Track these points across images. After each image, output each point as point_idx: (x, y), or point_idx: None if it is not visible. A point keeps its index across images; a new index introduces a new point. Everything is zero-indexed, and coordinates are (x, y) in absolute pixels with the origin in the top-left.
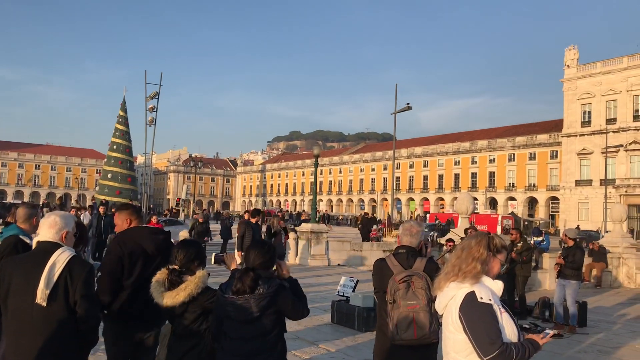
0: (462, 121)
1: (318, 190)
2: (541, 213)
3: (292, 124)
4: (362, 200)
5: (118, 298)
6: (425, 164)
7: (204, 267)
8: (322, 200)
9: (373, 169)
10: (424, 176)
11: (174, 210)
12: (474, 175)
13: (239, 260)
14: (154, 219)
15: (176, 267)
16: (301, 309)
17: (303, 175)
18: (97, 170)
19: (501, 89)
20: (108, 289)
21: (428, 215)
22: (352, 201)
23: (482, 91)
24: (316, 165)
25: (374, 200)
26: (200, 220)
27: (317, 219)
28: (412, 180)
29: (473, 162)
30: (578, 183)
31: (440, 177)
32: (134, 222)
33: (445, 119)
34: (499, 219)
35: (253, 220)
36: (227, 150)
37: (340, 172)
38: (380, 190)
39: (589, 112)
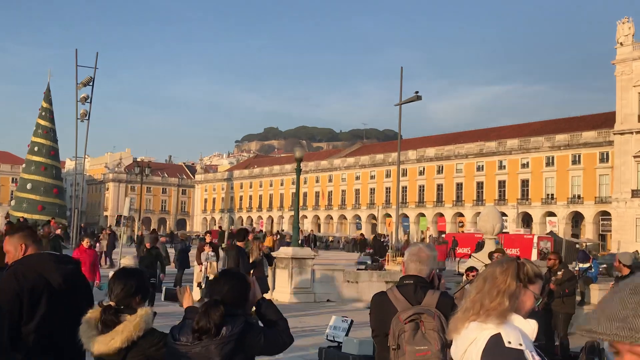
0: (486, 115)
1: (301, 204)
2: (588, 232)
3: (267, 119)
4: (358, 217)
5: (18, 350)
6: (440, 170)
7: (149, 303)
8: (306, 217)
9: (372, 176)
10: (438, 185)
11: (107, 232)
12: (501, 184)
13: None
14: (84, 243)
15: (112, 303)
16: (280, 339)
17: (282, 184)
18: (12, 179)
19: (535, 73)
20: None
21: (443, 236)
22: (345, 218)
23: (511, 76)
24: (298, 171)
25: (373, 217)
26: (148, 245)
27: (300, 241)
28: (423, 190)
29: (501, 167)
30: (635, 194)
31: (459, 186)
32: (30, 248)
33: (464, 112)
34: (534, 240)
35: (240, 245)
36: (183, 152)
37: (330, 180)
38: (381, 203)
39: None
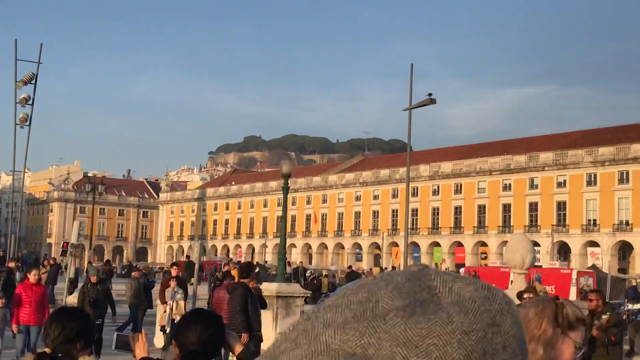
0: (514, 123)
1: (289, 229)
2: (638, 266)
3: (248, 126)
4: (359, 246)
5: None
6: (458, 189)
7: (94, 352)
8: (295, 246)
9: (376, 197)
10: (456, 208)
11: (49, 263)
12: (533, 206)
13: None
14: (31, 276)
15: (47, 350)
16: None
17: (265, 205)
18: None
19: (573, 72)
20: None
21: (462, 270)
22: (342, 247)
23: (544, 76)
24: (286, 190)
25: (376, 246)
26: (93, 279)
27: (287, 276)
28: (437, 214)
29: (532, 185)
30: None
31: (481, 209)
32: None
33: (487, 118)
34: (573, 275)
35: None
36: (145, 166)
37: (324, 200)
38: (386, 230)
39: None
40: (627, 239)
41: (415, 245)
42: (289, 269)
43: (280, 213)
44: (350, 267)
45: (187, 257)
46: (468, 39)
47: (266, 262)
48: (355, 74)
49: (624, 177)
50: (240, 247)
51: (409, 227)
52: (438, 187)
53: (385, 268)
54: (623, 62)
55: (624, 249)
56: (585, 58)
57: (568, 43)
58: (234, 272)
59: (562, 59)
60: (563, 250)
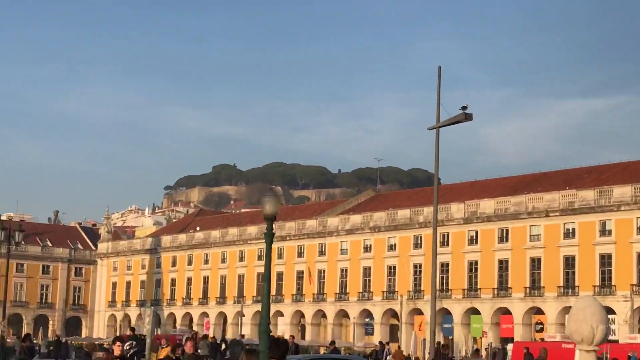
0: (577, 146)
1: (274, 292)
2: None
3: (218, 152)
4: (369, 314)
5: None
6: (503, 237)
7: None
8: (282, 314)
9: (392, 247)
10: (501, 262)
11: None
12: (605, 259)
13: None
14: None
15: None
16: None
17: (242, 259)
18: None
19: None
20: None
21: (510, 348)
22: (346, 316)
23: (618, 84)
24: (270, 238)
25: (393, 314)
26: None
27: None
28: (476, 270)
29: (603, 231)
30: None
31: (536, 263)
32: None
33: (539, 141)
34: None
35: None
36: (78, 207)
37: (322, 252)
38: (406, 292)
39: None
40: None
41: (447, 313)
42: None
43: (261, 269)
44: (332, 342)
45: (132, 329)
46: (512, 35)
47: (243, 336)
48: (364, 82)
49: None
50: (208, 316)
51: (438, 289)
52: (476, 233)
53: (399, 346)
54: None
55: None
56: None
57: None
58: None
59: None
60: None
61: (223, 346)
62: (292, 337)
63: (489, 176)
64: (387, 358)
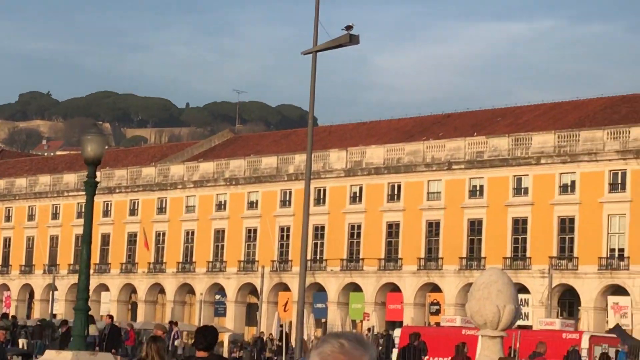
0: (490, 81)
1: (97, 259)
2: None
3: (27, 74)
4: (221, 290)
5: None
6: (394, 194)
7: None
8: (107, 289)
9: (252, 204)
10: (390, 226)
11: None
12: (520, 224)
13: None
14: None
15: None
16: None
17: (55, 215)
18: None
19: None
20: None
21: (398, 334)
22: (191, 292)
23: (540, 5)
24: (92, 188)
25: (252, 290)
26: None
27: (92, 339)
28: (358, 236)
29: (519, 190)
30: None
31: (432, 228)
32: None
33: (444, 74)
34: (583, 341)
35: None
36: None
37: (162, 209)
38: (269, 262)
39: None
40: None
41: (320, 290)
42: (94, 329)
43: (80, 230)
44: (110, 316)
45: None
46: None
47: (55, 315)
48: None
49: None
50: (9, 290)
51: (309, 259)
52: (360, 189)
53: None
54: None
55: None
56: None
57: None
58: None
59: None
60: (566, 300)
61: None
62: (110, 317)
63: (380, 118)
64: (176, 342)
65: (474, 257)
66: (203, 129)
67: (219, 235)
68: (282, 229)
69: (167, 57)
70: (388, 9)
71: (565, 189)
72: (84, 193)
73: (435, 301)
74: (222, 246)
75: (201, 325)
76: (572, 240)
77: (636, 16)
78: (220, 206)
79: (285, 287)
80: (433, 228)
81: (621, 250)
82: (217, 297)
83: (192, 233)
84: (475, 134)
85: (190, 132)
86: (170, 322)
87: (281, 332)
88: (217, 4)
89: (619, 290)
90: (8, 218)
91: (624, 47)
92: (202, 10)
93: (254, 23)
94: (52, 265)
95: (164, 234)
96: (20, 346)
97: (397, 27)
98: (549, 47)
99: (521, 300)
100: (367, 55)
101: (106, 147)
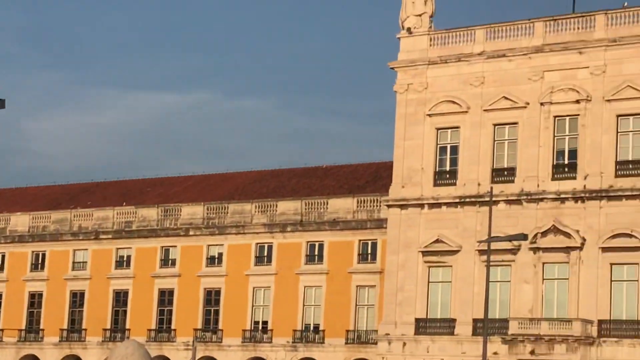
0: (142, 151)
1: None
2: None
3: None
4: None
5: None
6: (38, 263)
7: None
8: None
9: None
10: (32, 296)
11: None
12: (167, 296)
13: None
14: None
15: None
16: None
17: None
18: None
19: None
20: None
21: None
22: None
23: (200, 79)
24: None
25: None
26: None
27: None
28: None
29: (166, 261)
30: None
31: (77, 298)
32: None
33: (94, 144)
34: None
35: None
36: None
37: None
38: None
39: None
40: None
41: None
42: None
43: None
44: None
45: None
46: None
47: None
48: None
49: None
50: None
51: None
52: (3, 257)
53: None
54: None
55: None
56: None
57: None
58: None
59: None
60: None
61: None
62: None
63: (27, 185)
64: None
65: (118, 329)
66: None
67: None
68: None
69: None
70: (39, 74)
71: (212, 260)
72: None
73: None
74: None
75: None
76: (217, 312)
77: (286, 93)
78: None
79: None
80: (77, 298)
81: (265, 322)
82: None
83: None
84: (125, 203)
85: None
86: None
87: None
88: None
89: None
90: None
91: (274, 122)
92: None
93: None
94: None
95: None
96: None
97: (47, 94)
98: (201, 120)
99: None
100: (17, 120)
101: None
